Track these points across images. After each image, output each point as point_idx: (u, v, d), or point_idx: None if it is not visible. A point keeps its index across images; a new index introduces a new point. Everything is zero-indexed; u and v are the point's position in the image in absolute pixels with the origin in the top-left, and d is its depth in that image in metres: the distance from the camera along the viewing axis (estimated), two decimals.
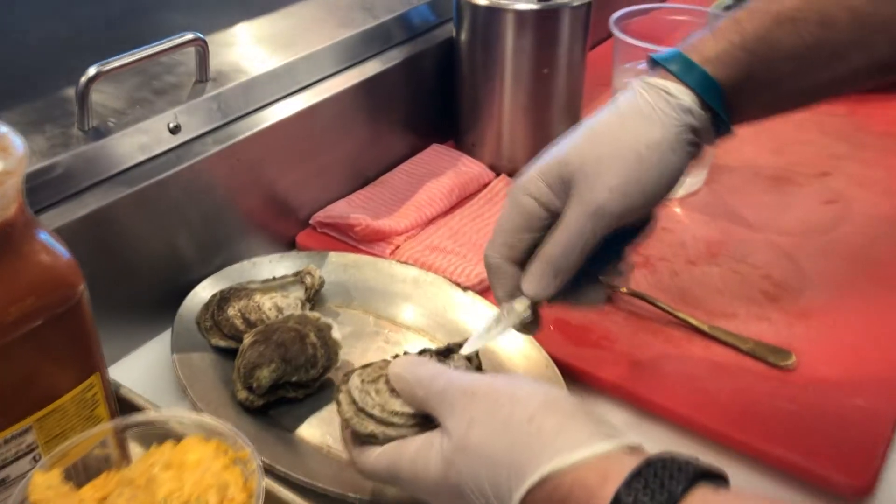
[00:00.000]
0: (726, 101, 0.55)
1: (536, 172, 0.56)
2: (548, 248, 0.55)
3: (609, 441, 0.43)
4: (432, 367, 0.52)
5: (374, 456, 0.51)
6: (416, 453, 0.49)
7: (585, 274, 0.56)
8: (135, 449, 0.55)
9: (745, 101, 0.56)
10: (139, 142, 0.70)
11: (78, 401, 0.52)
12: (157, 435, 0.53)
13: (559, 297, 0.57)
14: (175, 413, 0.54)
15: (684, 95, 0.54)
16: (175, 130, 0.72)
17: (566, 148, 0.55)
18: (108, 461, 0.53)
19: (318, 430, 0.65)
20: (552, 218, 0.55)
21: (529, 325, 0.58)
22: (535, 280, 0.56)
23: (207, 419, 0.53)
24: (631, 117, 0.54)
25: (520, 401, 0.46)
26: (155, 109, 0.72)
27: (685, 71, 0.54)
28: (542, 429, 0.44)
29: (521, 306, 0.57)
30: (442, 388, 0.49)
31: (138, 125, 0.70)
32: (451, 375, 0.50)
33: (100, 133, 0.68)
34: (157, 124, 0.71)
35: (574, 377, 0.68)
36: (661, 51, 0.56)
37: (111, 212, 0.68)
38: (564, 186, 0.55)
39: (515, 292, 0.57)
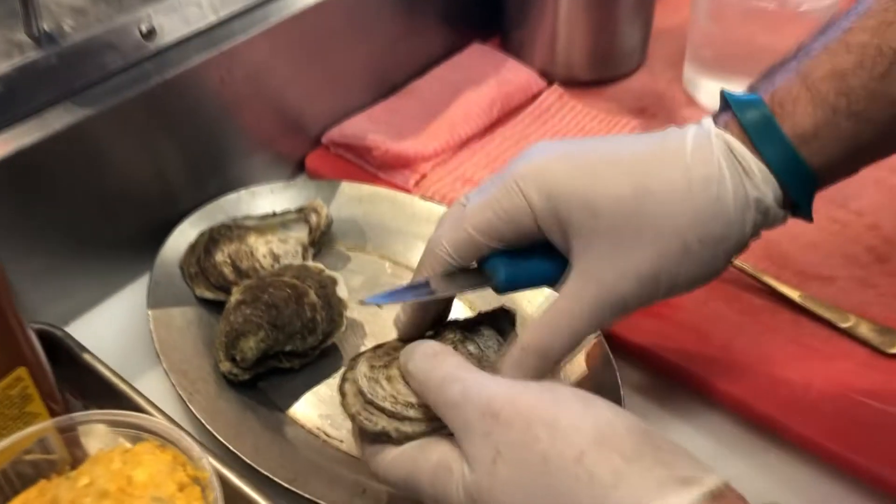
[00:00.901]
0: (816, 187, 0.42)
1: (542, 182, 0.41)
2: (541, 338, 0.41)
3: (686, 490, 0.33)
4: (446, 363, 0.40)
5: (390, 460, 0.41)
6: (435, 471, 0.39)
7: None
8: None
9: (840, 173, 0.42)
10: (105, 50, 0.57)
11: (1, 399, 0.42)
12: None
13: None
14: (122, 416, 0.43)
15: (766, 186, 0.40)
16: (149, 35, 0.59)
17: (590, 180, 0.40)
18: (53, 465, 0.44)
19: (316, 409, 0.54)
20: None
21: None
22: (513, 373, 0.42)
23: (161, 425, 0.42)
24: (698, 186, 0.40)
25: (562, 432, 0.35)
26: (123, 7, 0.59)
27: (769, 141, 0.40)
28: (595, 475, 0.34)
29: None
30: (456, 399, 0.38)
31: (103, 28, 0.57)
32: (468, 382, 0.38)
33: (53, 39, 0.56)
34: (126, 27, 0.58)
35: (625, 353, 0.56)
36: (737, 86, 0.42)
37: (73, 136, 0.56)
38: (564, 229, 0.41)
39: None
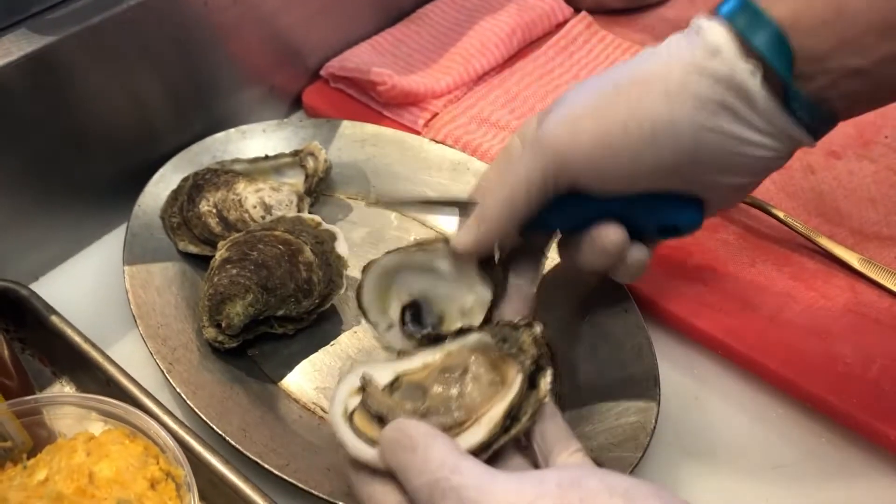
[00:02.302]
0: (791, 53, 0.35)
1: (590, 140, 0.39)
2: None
3: None
4: (430, 459, 0.32)
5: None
6: None
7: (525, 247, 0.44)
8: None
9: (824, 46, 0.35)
10: None
11: None
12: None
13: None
14: (87, 400, 0.37)
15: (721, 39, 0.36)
16: None
17: None
18: (8, 453, 0.38)
19: (311, 381, 0.48)
20: None
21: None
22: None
23: (132, 413, 0.37)
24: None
25: None
26: None
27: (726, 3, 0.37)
28: None
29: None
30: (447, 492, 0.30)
31: None
32: (464, 492, 0.30)
33: None
34: None
35: (661, 323, 0.50)
36: None
37: (32, 67, 0.49)
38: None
39: None
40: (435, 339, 0.41)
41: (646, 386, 0.45)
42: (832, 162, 0.59)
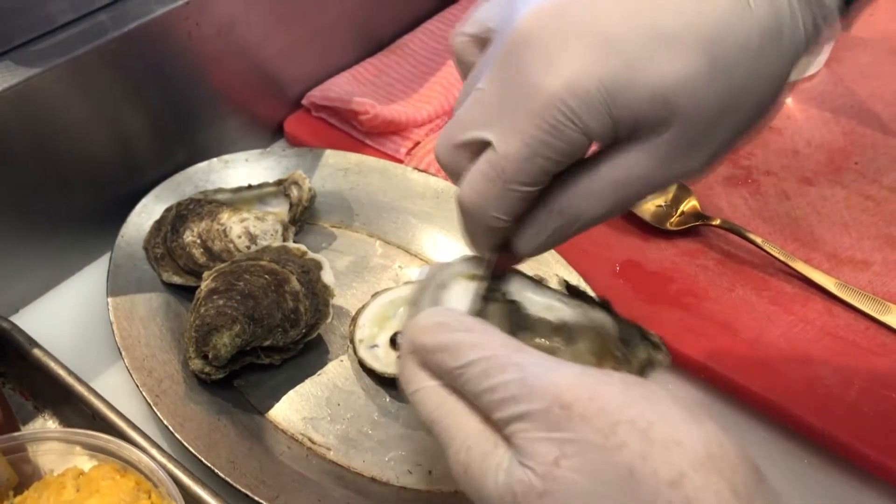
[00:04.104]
0: None
1: (601, 86, 0.30)
2: (579, 205, 0.33)
3: None
4: (490, 341, 0.31)
5: (427, 392, 0.32)
6: (468, 444, 0.30)
7: None
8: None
9: None
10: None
11: None
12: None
13: None
14: (75, 435, 0.37)
15: None
16: None
17: (671, 71, 0.30)
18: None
19: (299, 412, 0.48)
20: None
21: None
22: (539, 239, 0.34)
23: (123, 448, 0.36)
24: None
25: (660, 443, 0.27)
26: None
27: None
28: None
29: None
30: (513, 392, 0.29)
31: None
32: (528, 367, 0.29)
33: None
34: None
35: None
36: None
37: (15, 98, 0.48)
38: (638, 127, 0.31)
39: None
40: None
41: None
42: (805, 188, 0.60)
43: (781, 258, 0.54)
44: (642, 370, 0.36)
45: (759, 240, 0.55)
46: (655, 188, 0.33)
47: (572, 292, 0.39)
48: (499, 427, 0.29)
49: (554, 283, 0.40)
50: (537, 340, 0.37)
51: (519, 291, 0.37)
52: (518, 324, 0.37)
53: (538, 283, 0.39)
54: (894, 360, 0.49)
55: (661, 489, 0.27)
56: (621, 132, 0.31)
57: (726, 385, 0.49)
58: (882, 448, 0.45)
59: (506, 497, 0.29)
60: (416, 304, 0.36)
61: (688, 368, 0.50)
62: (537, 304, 0.38)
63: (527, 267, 0.39)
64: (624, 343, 0.37)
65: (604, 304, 0.38)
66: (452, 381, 0.30)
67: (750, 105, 0.32)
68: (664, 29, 0.30)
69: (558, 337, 0.37)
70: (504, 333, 0.31)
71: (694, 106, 0.30)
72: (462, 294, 0.36)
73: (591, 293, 0.42)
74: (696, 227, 0.56)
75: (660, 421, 0.28)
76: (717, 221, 0.56)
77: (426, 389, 0.31)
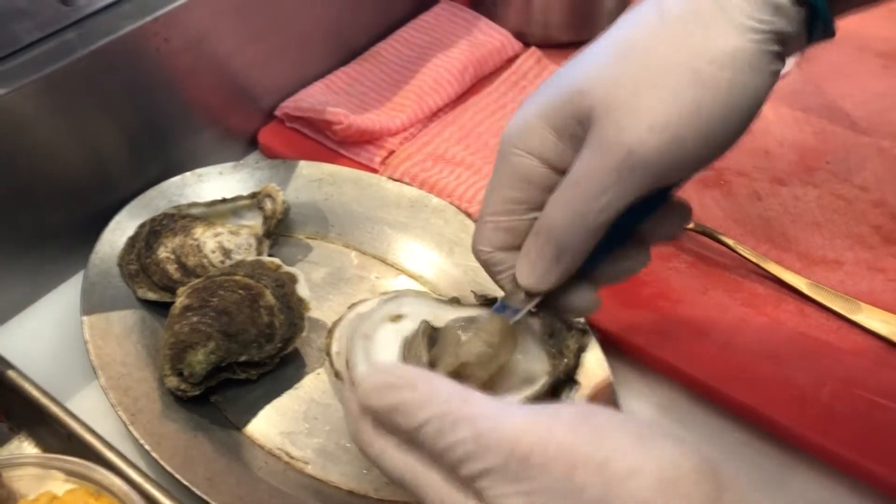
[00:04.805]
0: None
1: (537, 114, 0.38)
2: (547, 216, 0.38)
3: None
4: (441, 383, 0.31)
5: (391, 449, 0.32)
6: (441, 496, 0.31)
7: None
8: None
9: None
10: (16, 17, 0.49)
11: None
12: None
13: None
14: (48, 460, 0.37)
15: None
16: (69, 0, 0.51)
17: (582, 71, 0.37)
18: None
19: (276, 426, 0.48)
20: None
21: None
22: (530, 264, 0.39)
23: (97, 472, 0.36)
24: (684, 23, 0.36)
25: (617, 476, 0.28)
26: None
27: None
28: None
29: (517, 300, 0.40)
30: (468, 450, 0.30)
31: None
32: (479, 422, 0.30)
33: None
34: None
35: (619, 353, 0.51)
36: None
37: None
38: (580, 130, 0.37)
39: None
40: None
41: None
42: (777, 188, 0.61)
43: (754, 259, 0.54)
44: (577, 357, 0.39)
45: (730, 241, 0.55)
46: (610, 187, 0.36)
47: (486, 303, 0.42)
48: (465, 482, 0.30)
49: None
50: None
51: (432, 313, 0.41)
52: (434, 338, 0.40)
53: (456, 301, 0.42)
54: (866, 359, 0.50)
55: None
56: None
57: (699, 388, 0.49)
58: (855, 448, 0.45)
59: None
60: (351, 361, 0.39)
61: (661, 371, 0.50)
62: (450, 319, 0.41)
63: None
64: (552, 337, 0.39)
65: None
66: (411, 438, 0.31)
67: (677, 82, 0.36)
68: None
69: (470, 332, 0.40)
70: (448, 380, 0.32)
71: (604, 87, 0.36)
72: (390, 340, 0.39)
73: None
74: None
75: (613, 455, 0.28)
76: (690, 224, 0.57)
77: (388, 452, 0.32)
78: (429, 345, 0.40)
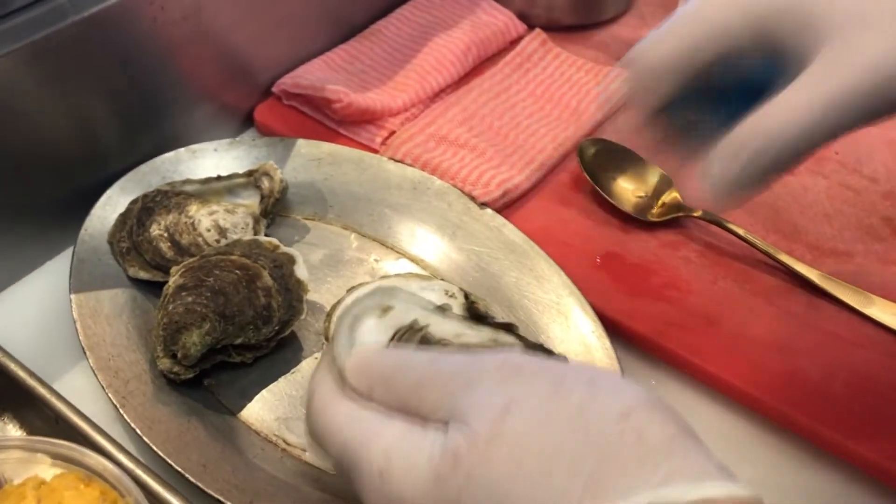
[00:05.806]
0: None
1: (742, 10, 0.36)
2: (769, 116, 0.35)
3: (739, 486, 0.27)
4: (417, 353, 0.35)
5: (344, 412, 0.34)
6: (401, 434, 0.32)
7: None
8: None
9: None
10: None
11: None
12: None
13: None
14: (36, 443, 0.35)
15: None
16: None
17: None
18: None
19: (272, 411, 0.47)
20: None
21: None
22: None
23: (87, 456, 0.34)
24: None
25: (605, 388, 0.30)
26: None
27: None
28: (646, 436, 0.28)
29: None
30: (460, 365, 0.32)
31: None
32: (478, 355, 0.33)
33: None
34: None
35: (626, 342, 0.50)
36: None
37: None
38: (789, 41, 0.35)
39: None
40: None
41: None
42: (786, 178, 0.59)
43: (764, 249, 0.53)
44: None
45: (741, 231, 0.54)
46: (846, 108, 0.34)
47: (477, 318, 0.42)
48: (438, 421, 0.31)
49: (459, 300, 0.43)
50: None
51: (425, 318, 0.40)
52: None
53: (443, 310, 0.41)
54: (878, 352, 0.49)
55: (611, 421, 0.28)
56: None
57: (708, 379, 0.48)
58: (866, 442, 0.44)
59: (442, 467, 0.29)
60: (334, 340, 0.38)
61: (669, 362, 0.49)
62: (444, 329, 0.40)
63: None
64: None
65: (508, 327, 0.42)
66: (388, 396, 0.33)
67: None
68: None
69: None
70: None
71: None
72: (375, 327, 0.39)
73: (497, 318, 0.44)
74: (677, 218, 0.56)
75: (602, 376, 0.31)
76: (699, 213, 0.55)
77: (353, 413, 0.34)
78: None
